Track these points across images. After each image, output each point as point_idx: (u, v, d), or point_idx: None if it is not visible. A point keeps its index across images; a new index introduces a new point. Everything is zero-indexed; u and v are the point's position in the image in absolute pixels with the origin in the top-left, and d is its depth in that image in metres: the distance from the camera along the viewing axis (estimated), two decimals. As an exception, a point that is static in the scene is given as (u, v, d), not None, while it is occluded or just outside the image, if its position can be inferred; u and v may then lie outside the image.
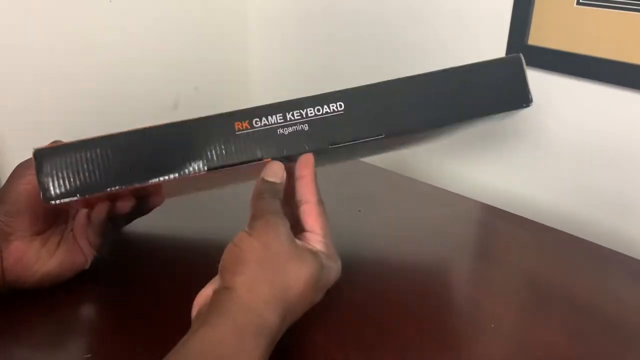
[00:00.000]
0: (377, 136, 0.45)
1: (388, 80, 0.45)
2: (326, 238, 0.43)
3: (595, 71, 0.65)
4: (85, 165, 0.43)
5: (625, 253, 0.57)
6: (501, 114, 0.47)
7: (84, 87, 0.82)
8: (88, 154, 0.43)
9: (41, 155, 0.43)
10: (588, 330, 0.46)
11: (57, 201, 0.43)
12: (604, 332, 0.46)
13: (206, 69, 0.98)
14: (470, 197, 0.68)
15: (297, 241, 0.41)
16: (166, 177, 0.43)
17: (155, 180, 0.43)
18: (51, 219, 0.49)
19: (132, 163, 0.43)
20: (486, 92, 0.45)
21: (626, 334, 0.46)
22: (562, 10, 0.65)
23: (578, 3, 0.64)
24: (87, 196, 0.43)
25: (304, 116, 0.44)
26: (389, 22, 0.83)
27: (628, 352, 0.45)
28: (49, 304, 0.48)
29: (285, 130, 0.44)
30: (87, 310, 0.49)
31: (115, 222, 0.52)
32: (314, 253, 0.41)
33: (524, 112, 0.73)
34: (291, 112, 0.44)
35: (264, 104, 0.44)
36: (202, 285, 0.41)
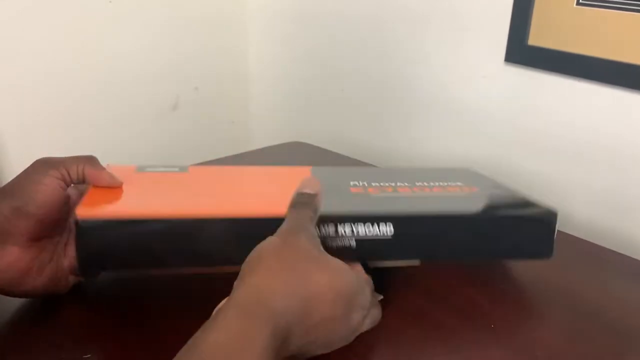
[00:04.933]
0: (412, 261, 0.48)
1: (438, 215, 0.48)
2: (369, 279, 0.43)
3: (595, 71, 0.65)
4: (127, 244, 0.42)
5: (625, 253, 0.57)
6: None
7: (83, 87, 0.83)
8: (132, 232, 0.42)
9: (85, 227, 0.41)
10: (588, 330, 0.46)
11: (94, 274, 0.44)
12: (604, 332, 0.46)
13: (206, 69, 0.98)
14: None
15: (329, 255, 0.40)
16: (200, 269, 0.44)
17: (186, 270, 0.44)
18: (50, 228, 0.44)
19: (176, 249, 0.43)
20: (518, 239, 0.49)
21: (626, 334, 0.46)
22: (562, 10, 0.65)
23: (578, 3, 0.64)
24: (126, 272, 0.45)
25: (355, 233, 0.45)
26: (389, 22, 0.83)
27: (628, 352, 0.45)
28: (49, 304, 0.48)
29: (334, 243, 0.44)
30: (87, 310, 0.49)
31: None
32: (347, 266, 0.39)
33: (522, 113, 0.73)
34: (343, 225, 0.44)
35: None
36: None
